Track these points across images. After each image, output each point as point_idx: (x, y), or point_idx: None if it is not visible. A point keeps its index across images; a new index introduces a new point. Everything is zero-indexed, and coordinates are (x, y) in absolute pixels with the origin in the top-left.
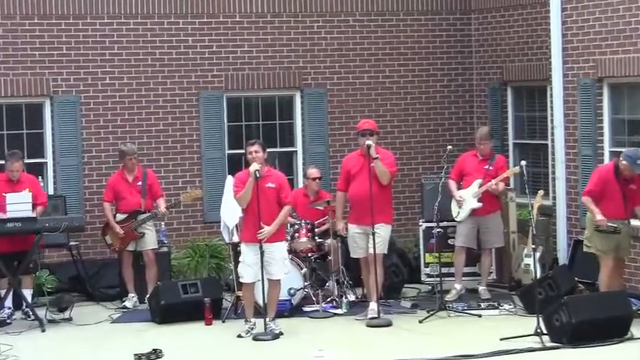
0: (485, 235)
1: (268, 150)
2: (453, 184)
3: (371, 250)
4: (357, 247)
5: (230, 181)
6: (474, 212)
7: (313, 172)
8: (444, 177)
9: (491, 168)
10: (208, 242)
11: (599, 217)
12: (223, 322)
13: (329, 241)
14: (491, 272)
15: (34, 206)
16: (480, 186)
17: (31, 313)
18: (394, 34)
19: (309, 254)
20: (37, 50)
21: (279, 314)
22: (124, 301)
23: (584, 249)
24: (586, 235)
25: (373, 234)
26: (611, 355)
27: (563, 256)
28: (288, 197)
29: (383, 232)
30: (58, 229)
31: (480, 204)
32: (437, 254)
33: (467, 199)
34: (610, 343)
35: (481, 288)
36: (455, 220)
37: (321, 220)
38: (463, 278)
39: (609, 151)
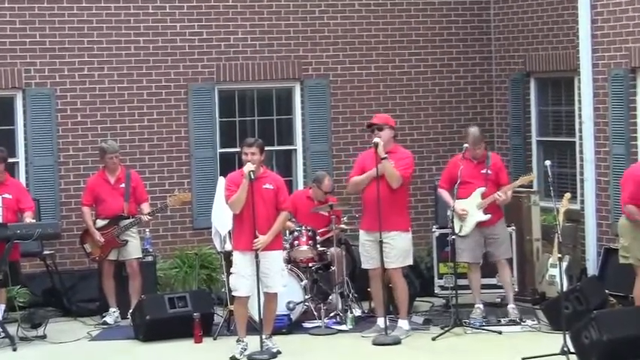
0: (494, 246)
1: (265, 149)
2: (446, 195)
3: (383, 262)
4: (368, 257)
5: (222, 182)
6: (479, 224)
7: (328, 184)
8: (459, 178)
9: (489, 172)
10: (198, 251)
11: None
12: (215, 339)
13: (332, 249)
14: (513, 284)
15: (21, 212)
16: (483, 195)
17: (1, 329)
18: (404, 19)
19: (310, 264)
20: (8, 38)
21: (277, 331)
22: (104, 317)
23: (621, 260)
24: (622, 245)
25: (381, 242)
26: None
27: (592, 266)
28: (287, 202)
29: (398, 242)
30: (30, 237)
31: (489, 215)
32: (452, 264)
33: (471, 211)
34: None
35: (509, 306)
36: (457, 235)
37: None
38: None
39: None
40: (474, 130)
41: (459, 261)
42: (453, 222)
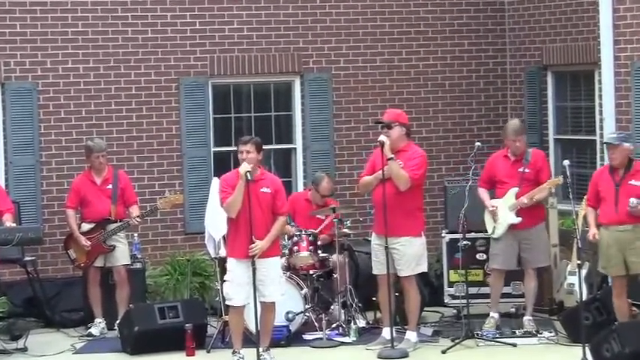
0: (527, 252)
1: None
2: (484, 193)
3: (393, 269)
4: (377, 262)
5: (216, 184)
6: (513, 226)
7: (326, 187)
8: (471, 179)
9: (527, 170)
10: (190, 257)
11: (591, 231)
12: (208, 352)
13: (334, 255)
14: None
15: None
16: (517, 196)
17: None
18: (412, 8)
19: (311, 271)
20: None
21: (275, 343)
22: (89, 328)
23: None
24: None
25: (386, 248)
26: None
27: None
28: (285, 206)
29: (408, 248)
30: (10, 242)
31: (520, 219)
32: (463, 272)
33: (503, 212)
34: None
35: (526, 318)
36: (490, 237)
37: (323, 226)
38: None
39: None
40: (513, 122)
41: (490, 267)
42: (485, 223)
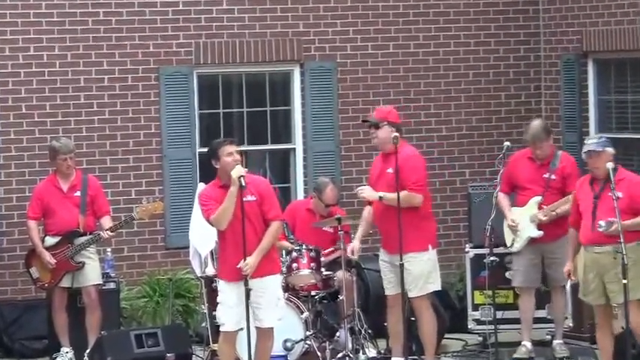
0: (553, 268)
1: (257, 148)
2: (504, 200)
3: (404, 288)
4: (385, 281)
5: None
6: (534, 240)
7: (330, 194)
8: (498, 185)
9: (553, 177)
10: (172, 276)
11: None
12: None
13: (340, 273)
14: (567, 317)
15: None
16: (540, 206)
17: None
18: None
19: (313, 292)
20: None
21: None
22: (54, 358)
23: None
24: None
25: (401, 266)
26: None
27: None
28: (274, 210)
29: (414, 265)
30: None
31: (541, 232)
32: (490, 292)
33: (523, 223)
34: None
35: (556, 342)
36: (509, 251)
37: (330, 250)
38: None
39: None
40: (535, 125)
41: (512, 286)
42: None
